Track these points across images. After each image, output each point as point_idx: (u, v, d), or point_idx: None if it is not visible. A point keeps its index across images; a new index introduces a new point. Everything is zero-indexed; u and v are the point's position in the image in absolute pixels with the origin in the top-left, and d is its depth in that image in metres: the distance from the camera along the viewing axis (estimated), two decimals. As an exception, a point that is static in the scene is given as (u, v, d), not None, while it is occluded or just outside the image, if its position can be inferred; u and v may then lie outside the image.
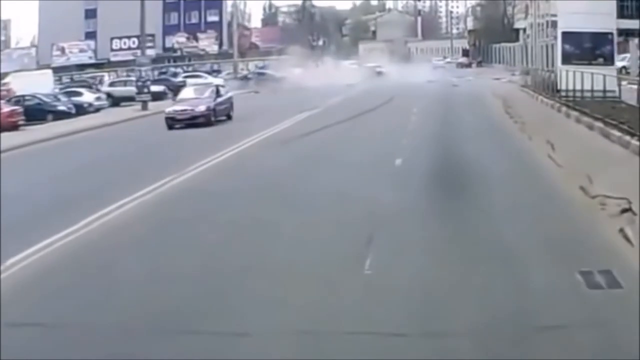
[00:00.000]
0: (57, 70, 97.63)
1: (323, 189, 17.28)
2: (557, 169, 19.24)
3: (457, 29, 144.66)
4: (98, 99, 51.91)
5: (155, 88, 58.36)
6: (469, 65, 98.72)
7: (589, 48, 35.04)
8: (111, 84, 59.24)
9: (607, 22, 34.55)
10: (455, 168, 20.07)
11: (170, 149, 27.51)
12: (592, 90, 32.19)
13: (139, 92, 49.64)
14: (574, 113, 29.51)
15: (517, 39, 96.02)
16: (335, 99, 45.90)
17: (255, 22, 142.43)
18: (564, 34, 35.07)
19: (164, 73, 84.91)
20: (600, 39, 34.83)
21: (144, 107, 48.62)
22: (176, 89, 61.72)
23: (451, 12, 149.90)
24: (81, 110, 48.42)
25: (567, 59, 34.97)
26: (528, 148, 23.41)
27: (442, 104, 41.88)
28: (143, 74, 50.34)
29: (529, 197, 15.95)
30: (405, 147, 23.94)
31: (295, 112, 35.99)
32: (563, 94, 34.51)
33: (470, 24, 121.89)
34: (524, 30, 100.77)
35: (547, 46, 46.15)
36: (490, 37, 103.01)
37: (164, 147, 28.54)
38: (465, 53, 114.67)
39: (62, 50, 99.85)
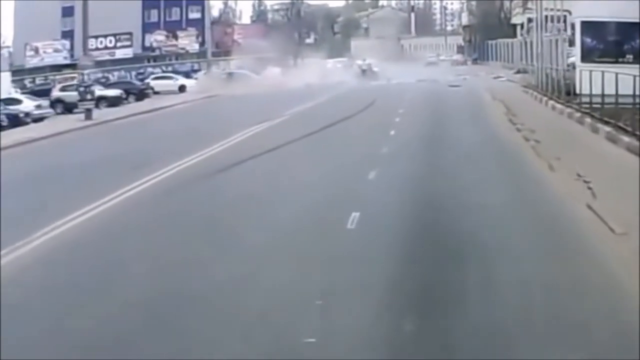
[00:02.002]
0: (31, 71, 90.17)
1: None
2: (609, 235, 11.24)
3: (452, 25, 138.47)
4: (39, 107, 43.50)
5: (109, 92, 50.33)
6: (464, 63, 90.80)
7: (614, 42, 26.91)
8: (63, 89, 50.88)
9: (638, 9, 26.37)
10: (443, 230, 12.10)
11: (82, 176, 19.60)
12: (616, 95, 24.12)
13: (81, 99, 41.36)
14: (604, 127, 21.48)
15: (514, 35, 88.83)
16: (304, 105, 37.51)
17: (246, 20, 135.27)
18: (584, 24, 26.89)
19: (142, 74, 77.08)
20: (628, 30, 26.66)
21: (88, 116, 40.36)
22: (139, 92, 54.00)
23: (445, 8, 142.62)
24: (17, 121, 40.13)
25: (587, 55, 26.84)
26: (552, 187, 15.37)
27: (432, 110, 33.79)
28: (85, 77, 42.07)
29: (574, 308, 8.06)
30: (373, 186, 15.94)
31: (243, 127, 27.70)
32: (583, 99, 26.44)
33: (465, 20, 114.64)
34: (522, 25, 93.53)
35: (555, 41, 38.54)
36: (486, 33, 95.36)
37: (75, 172, 20.47)
38: (460, 50, 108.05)
39: (36, 50, 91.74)
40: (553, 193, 14.71)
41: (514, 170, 17.62)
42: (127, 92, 52.59)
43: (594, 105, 24.35)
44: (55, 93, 50.70)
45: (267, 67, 62.48)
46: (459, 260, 10.12)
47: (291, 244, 11.53)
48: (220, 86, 54.31)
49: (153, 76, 66.88)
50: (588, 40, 26.99)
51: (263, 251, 11.01)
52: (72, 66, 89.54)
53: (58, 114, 47.36)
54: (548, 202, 13.91)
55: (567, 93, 29.88)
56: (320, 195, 15.04)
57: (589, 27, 26.83)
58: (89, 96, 41.22)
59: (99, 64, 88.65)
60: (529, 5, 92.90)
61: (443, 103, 37.49)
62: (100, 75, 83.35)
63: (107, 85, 57.07)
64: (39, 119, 42.46)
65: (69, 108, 47.14)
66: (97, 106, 48.29)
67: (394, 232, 11.97)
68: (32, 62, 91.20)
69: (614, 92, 24.20)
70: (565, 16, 40.60)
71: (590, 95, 24.36)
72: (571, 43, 39.83)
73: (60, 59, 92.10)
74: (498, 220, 12.49)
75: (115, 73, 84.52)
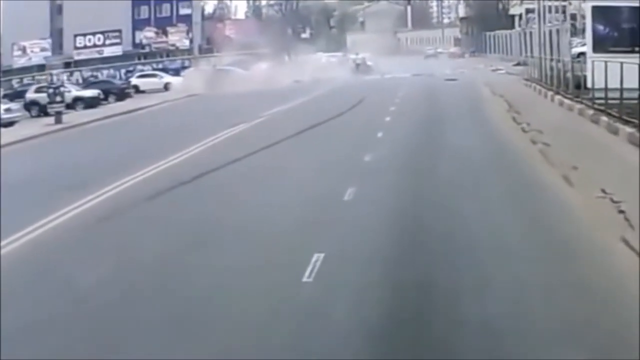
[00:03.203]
0: (20, 71, 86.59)
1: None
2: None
3: (449, 18, 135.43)
4: (8, 110, 39.88)
5: (86, 93, 46.80)
6: (461, 56, 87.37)
7: (629, 29, 23.42)
8: (38, 90, 47.18)
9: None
10: (434, 283, 8.65)
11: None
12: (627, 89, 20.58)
13: (51, 102, 37.78)
14: (626, 128, 18.01)
15: (512, 26, 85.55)
16: (286, 105, 33.83)
17: (241, 16, 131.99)
18: (596, 10, 23.36)
19: (131, 72, 73.65)
20: (646, 15, 23.18)
21: (58, 120, 36.84)
22: (120, 92, 50.50)
23: (442, 0, 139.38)
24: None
25: (600, 44, 23.31)
26: (573, 210, 11.93)
27: (426, 108, 30.32)
28: (55, 78, 38.50)
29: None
30: (348, 210, 12.51)
31: (214, 131, 24.20)
32: (596, 94, 22.92)
33: (462, 12, 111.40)
34: (520, 16, 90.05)
35: (556, 31, 35.28)
36: (483, 24, 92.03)
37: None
38: (458, 42, 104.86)
39: (24, 49, 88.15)
40: (576, 221, 11.26)
41: (523, 186, 14.09)
42: (107, 92, 48.99)
43: (610, 101, 20.86)
44: (30, 95, 47.16)
45: (256, 63, 58.89)
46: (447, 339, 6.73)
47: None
48: (206, 84, 50.78)
49: (137, 74, 63.40)
50: (600, 27, 23.46)
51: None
52: (63, 65, 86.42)
53: (33, 116, 44.01)
54: (571, 237, 10.43)
55: (576, 87, 26.39)
56: (284, 225, 11.61)
57: (601, 12, 23.31)
58: (58, 98, 37.66)
59: (88, 62, 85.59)
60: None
61: (439, 99, 34.02)
62: (89, 74, 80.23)
63: (87, 85, 53.53)
64: (8, 124, 38.91)
65: (44, 110, 43.55)
66: (73, 108, 45.16)
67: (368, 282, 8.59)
68: (20, 62, 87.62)
69: (630, 86, 20.67)
70: (564, 6, 37.42)
71: (606, 90, 20.84)
72: (573, 33, 36.70)
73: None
74: (507, 269, 9.05)
75: (104, 71, 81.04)
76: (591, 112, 22.01)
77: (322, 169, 16.43)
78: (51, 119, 37.06)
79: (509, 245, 10.02)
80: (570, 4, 38.27)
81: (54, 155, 24.76)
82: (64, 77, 74.88)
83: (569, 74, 28.83)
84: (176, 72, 67.80)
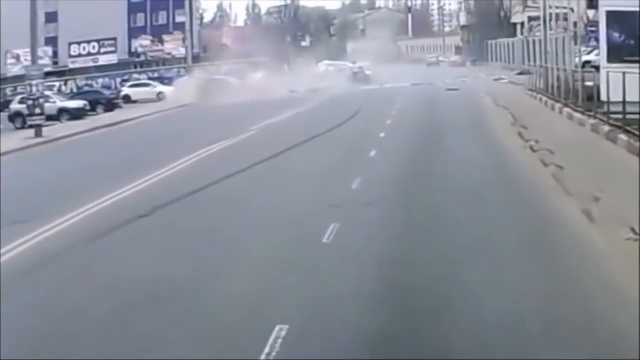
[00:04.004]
0: (14, 80, 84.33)
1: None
2: None
3: (450, 26, 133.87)
4: (-14, 123, 37.70)
5: (71, 104, 44.52)
6: (462, 65, 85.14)
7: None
8: (22, 101, 44.86)
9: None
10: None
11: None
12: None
13: (30, 114, 35.50)
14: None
15: (515, 34, 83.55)
16: (277, 118, 31.39)
17: (241, 23, 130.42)
18: (611, 15, 21.04)
19: (127, 80, 71.47)
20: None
21: (38, 133, 34.51)
22: (108, 103, 48.26)
23: (443, 8, 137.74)
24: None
25: (615, 53, 20.99)
26: (600, 260, 9.62)
27: (425, 122, 28.02)
28: (34, 89, 36.17)
29: None
30: (327, 257, 10.22)
31: (196, 147, 21.94)
32: (609, 108, 20.60)
33: (463, 20, 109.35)
34: (522, 24, 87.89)
35: (562, 39, 33.42)
36: (485, 33, 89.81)
37: None
38: (459, 51, 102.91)
39: (17, 58, 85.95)
40: (605, 276, 8.94)
41: (535, 224, 11.73)
42: (95, 103, 46.76)
43: (628, 117, 18.59)
44: (14, 106, 44.90)
45: (250, 72, 56.59)
46: None
47: None
48: (198, 94, 48.48)
49: (129, 84, 61.18)
50: (615, 35, 21.14)
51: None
52: (58, 74, 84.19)
53: (18, 128, 41.83)
54: (601, 302, 8.10)
55: (587, 99, 24.09)
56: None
57: (616, 18, 20.98)
58: (37, 110, 35.40)
59: (83, 70, 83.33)
60: (529, 3, 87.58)
61: (438, 112, 31.69)
62: (83, 83, 78.01)
63: (73, 95, 51.24)
64: (-13, 137, 36.66)
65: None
66: (58, 119, 42.90)
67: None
68: (14, 70, 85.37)
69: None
70: (567, 14, 35.61)
71: (624, 104, 18.54)
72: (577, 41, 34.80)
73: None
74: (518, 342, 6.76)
75: (100, 80, 78.89)
76: (607, 128, 19.72)
77: (305, 200, 14.05)
78: (26, 133, 34.89)
79: (521, 319, 7.64)
80: (573, 11, 36.21)
81: (22, 175, 22.41)
82: (57, 86, 73.23)
83: (578, 85, 26.54)
84: (171, 82, 65.67)
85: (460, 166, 17.01)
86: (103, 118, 42.92)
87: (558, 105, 28.10)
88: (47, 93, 46.60)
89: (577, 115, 24.17)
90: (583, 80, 24.64)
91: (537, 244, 10.57)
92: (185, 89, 52.27)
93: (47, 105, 43.18)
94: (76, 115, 42.77)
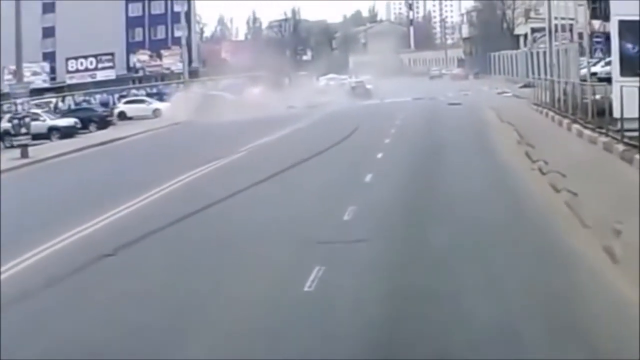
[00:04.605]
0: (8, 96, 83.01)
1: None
2: None
3: (452, 38, 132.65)
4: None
5: (61, 122, 43.01)
6: (465, 77, 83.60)
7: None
8: (11, 119, 43.31)
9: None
10: None
11: None
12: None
13: (15, 134, 33.99)
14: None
15: (517, 46, 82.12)
16: (270, 137, 29.63)
17: (242, 37, 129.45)
18: (623, 24, 19.43)
19: (125, 96, 70.04)
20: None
21: (24, 154, 32.95)
22: (101, 120, 46.76)
23: (445, 20, 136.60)
24: None
25: (628, 66, 19.39)
26: (618, 305, 8.01)
27: (426, 138, 26.45)
28: (19, 107, 34.64)
29: None
30: (312, 302, 8.64)
31: (182, 169, 20.36)
32: (623, 124, 19.01)
33: (465, 32, 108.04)
34: (525, 36, 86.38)
35: (565, 51, 32.27)
36: (487, 45, 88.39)
37: None
38: (461, 63, 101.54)
39: (15, 74, 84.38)
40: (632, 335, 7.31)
41: (549, 264, 10.09)
42: (88, 120, 45.27)
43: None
44: (4, 124, 43.30)
45: (248, 87, 55.01)
46: None
47: None
48: (193, 111, 46.88)
49: (125, 100, 59.72)
50: (628, 46, 19.54)
51: None
52: (57, 89, 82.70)
53: (7, 147, 40.27)
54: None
55: (598, 114, 22.52)
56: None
57: (629, 28, 19.39)
58: (23, 129, 33.89)
59: (81, 86, 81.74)
60: (532, 14, 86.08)
61: (440, 129, 30.06)
62: (81, 98, 76.49)
63: (64, 113, 49.71)
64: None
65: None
66: (48, 138, 41.42)
67: None
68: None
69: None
70: (571, 25, 34.49)
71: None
72: (582, 52, 33.64)
73: (39, 82, 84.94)
74: None
75: (97, 96, 77.39)
76: (621, 147, 18.11)
77: (282, 238, 12.43)
78: (12, 153, 33.40)
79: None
80: (577, 22, 34.89)
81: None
82: (53, 103, 71.69)
83: (587, 98, 24.95)
84: (170, 97, 64.21)
85: (462, 194, 15.36)
86: (95, 136, 41.44)
87: (566, 121, 26.50)
88: (37, 111, 45.23)
89: (587, 131, 22.56)
90: (594, 94, 23.04)
91: (549, 294, 8.92)
92: (181, 106, 50.73)
93: (36, 123, 41.90)
94: (66, 133, 41.28)
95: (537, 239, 11.57)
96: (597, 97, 23.27)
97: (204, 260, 11.29)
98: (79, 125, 42.37)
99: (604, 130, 20.89)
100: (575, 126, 24.43)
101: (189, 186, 18.49)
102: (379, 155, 21.75)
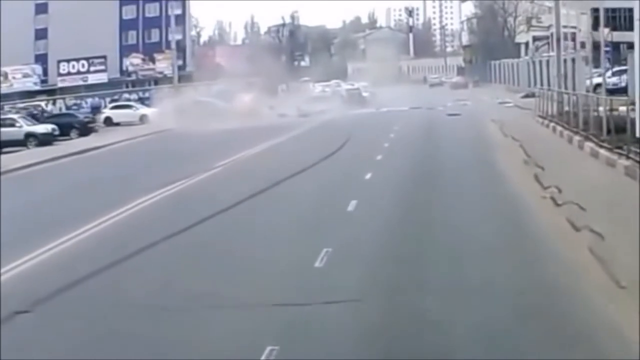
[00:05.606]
0: (4, 98, 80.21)
1: None
2: None
3: (452, 46, 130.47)
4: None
5: (38, 128, 40.29)
6: (464, 86, 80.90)
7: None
8: (-6, 125, 40.44)
9: None
10: None
11: None
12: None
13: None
14: None
15: (519, 55, 79.57)
16: (252, 150, 26.85)
17: (240, 41, 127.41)
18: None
19: (116, 100, 67.36)
20: None
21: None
22: (82, 126, 44.07)
23: (445, 28, 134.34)
24: None
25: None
26: None
27: (421, 156, 23.77)
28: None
29: None
30: None
31: (152, 188, 17.74)
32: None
33: (465, 39, 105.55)
34: (527, 44, 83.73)
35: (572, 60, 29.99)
36: (488, 52, 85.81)
37: None
38: (461, 71, 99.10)
39: (5, 75, 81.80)
40: None
41: (574, 338, 7.42)
42: (69, 127, 42.59)
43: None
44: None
45: (239, 93, 52.22)
46: None
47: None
48: (180, 118, 44.13)
49: (111, 105, 57.03)
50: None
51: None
52: (48, 92, 79.95)
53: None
54: None
55: (614, 131, 19.81)
56: None
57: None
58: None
59: (72, 89, 78.89)
60: (534, 22, 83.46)
61: (437, 144, 27.27)
62: (72, 102, 73.76)
63: (48, 118, 46.95)
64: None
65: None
66: (25, 145, 38.69)
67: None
68: (2, 88, 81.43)
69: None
70: (574, 33, 32.27)
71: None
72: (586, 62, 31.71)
73: (30, 84, 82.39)
74: None
75: (89, 100, 74.53)
76: (646, 173, 15.41)
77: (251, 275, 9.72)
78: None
79: None
80: (580, 30, 32.54)
81: None
82: (41, 106, 68.78)
83: (600, 113, 22.24)
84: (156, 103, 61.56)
85: (460, 234, 12.57)
86: (73, 144, 38.72)
87: (577, 138, 23.76)
88: (13, 116, 42.58)
89: (603, 152, 19.85)
90: (611, 110, 20.29)
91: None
92: (168, 112, 48.02)
93: (12, 130, 39.25)
94: (43, 140, 38.55)
95: (556, 312, 8.68)
96: (621, 109, 20.53)
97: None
98: (56, 132, 39.60)
99: (624, 152, 18.18)
100: (589, 144, 21.70)
101: (143, 212, 15.74)
102: (368, 176, 18.96)
